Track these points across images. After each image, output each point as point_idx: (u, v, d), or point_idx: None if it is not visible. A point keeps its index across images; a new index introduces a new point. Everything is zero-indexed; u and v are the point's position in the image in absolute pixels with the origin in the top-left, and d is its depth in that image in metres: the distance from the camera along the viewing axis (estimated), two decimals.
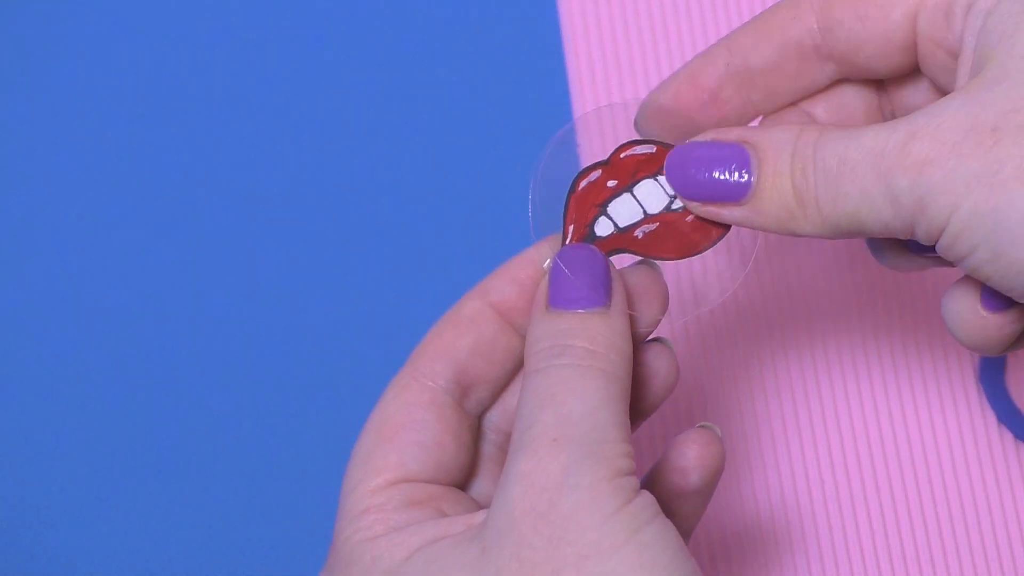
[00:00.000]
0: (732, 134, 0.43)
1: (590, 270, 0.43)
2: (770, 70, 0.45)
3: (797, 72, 0.45)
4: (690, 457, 0.44)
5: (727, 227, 0.44)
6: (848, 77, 0.45)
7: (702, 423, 0.45)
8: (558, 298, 0.42)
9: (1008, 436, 0.58)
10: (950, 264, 0.42)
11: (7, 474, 0.56)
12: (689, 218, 0.44)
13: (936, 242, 0.40)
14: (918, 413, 0.58)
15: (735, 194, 0.43)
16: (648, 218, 0.44)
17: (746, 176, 0.42)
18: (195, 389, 0.58)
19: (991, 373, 0.58)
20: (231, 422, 0.57)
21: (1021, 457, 0.58)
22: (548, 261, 0.44)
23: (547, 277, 0.43)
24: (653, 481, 0.44)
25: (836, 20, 0.44)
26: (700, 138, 0.44)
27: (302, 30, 0.63)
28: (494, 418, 0.46)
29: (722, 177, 0.43)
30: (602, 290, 0.42)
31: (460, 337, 0.44)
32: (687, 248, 0.44)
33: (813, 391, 0.58)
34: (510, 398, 0.45)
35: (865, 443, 0.58)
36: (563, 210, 0.44)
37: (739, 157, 0.43)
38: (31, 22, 0.62)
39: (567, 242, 0.44)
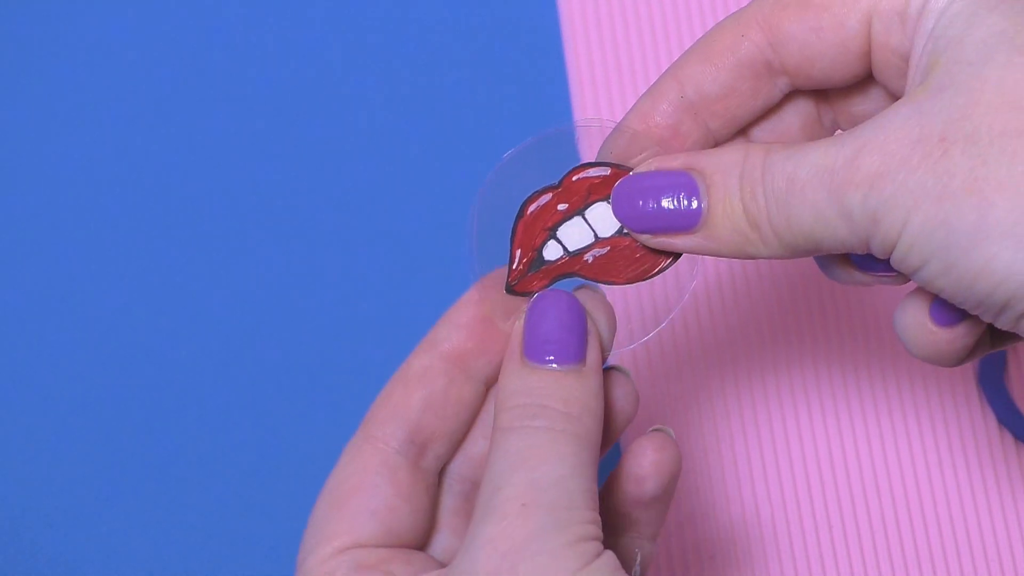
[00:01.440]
0: (677, 161, 0.42)
1: (568, 322, 0.42)
2: (725, 95, 0.43)
3: (752, 92, 0.43)
4: (645, 465, 0.43)
5: (677, 257, 0.43)
6: (800, 88, 0.44)
7: (655, 426, 0.44)
8: (533, 352, 0.42)
9: (1008, 436, 0.58)
10: (895, 282, 0.42)
11: (7, 474, 0.56)
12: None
13: (890, 256, 0.39)
14: (918, 414, 0.58)
15: (686, 223, 0.42)
16: (599, 242, 0.43)
17: (695, 203, 0.41)
18: (195, 390, 0.58)
19: (991, 373, 0.58)
20: (231, 422, 0.57)
21: (1021, 457, 0.58)
22: (525, 308, 0.43)
23: (522, 324, 0.42)
24: (610, 491, 0.44)
25: (787, 34, 0.42)
26: (644, 168, 0.43)
27: (301, 31, 0.63)
28: (457, 468, 0.45)
29: (671, 207, 0.42)
30: (580, 345, 0.42)
31: (410, 395, 0.44)
32: (638, 273, 0.44)
33: (814, 394, 0.58)
34: (471, 446, 0.45)
35: (866, 444, 0.58)
36: (510, 236, 0.44)
37: (686, 185, 0.42)
38: (31, 22, 0.62)
39: (514, 268, 0.43)
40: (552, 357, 0.41)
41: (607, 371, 0.44)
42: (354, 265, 0.59)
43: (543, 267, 0.43)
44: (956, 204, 0.38)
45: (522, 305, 0.43)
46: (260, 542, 0.56)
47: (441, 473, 0.45)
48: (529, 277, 0.44)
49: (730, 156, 0.41)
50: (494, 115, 0.61)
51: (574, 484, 0.40)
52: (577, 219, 0.43)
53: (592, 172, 0.43)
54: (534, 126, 0.61)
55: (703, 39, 0.43)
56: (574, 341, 0.42)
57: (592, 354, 0.42)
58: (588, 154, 0.44)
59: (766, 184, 0.40)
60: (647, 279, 0.43)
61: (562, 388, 0.41)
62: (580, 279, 0.44)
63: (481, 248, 0.44)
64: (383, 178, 0.61)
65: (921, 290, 0.41)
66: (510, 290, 0.44)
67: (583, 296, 0.43)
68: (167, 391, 0.57)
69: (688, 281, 0.45)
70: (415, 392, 0.44)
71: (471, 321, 0.44)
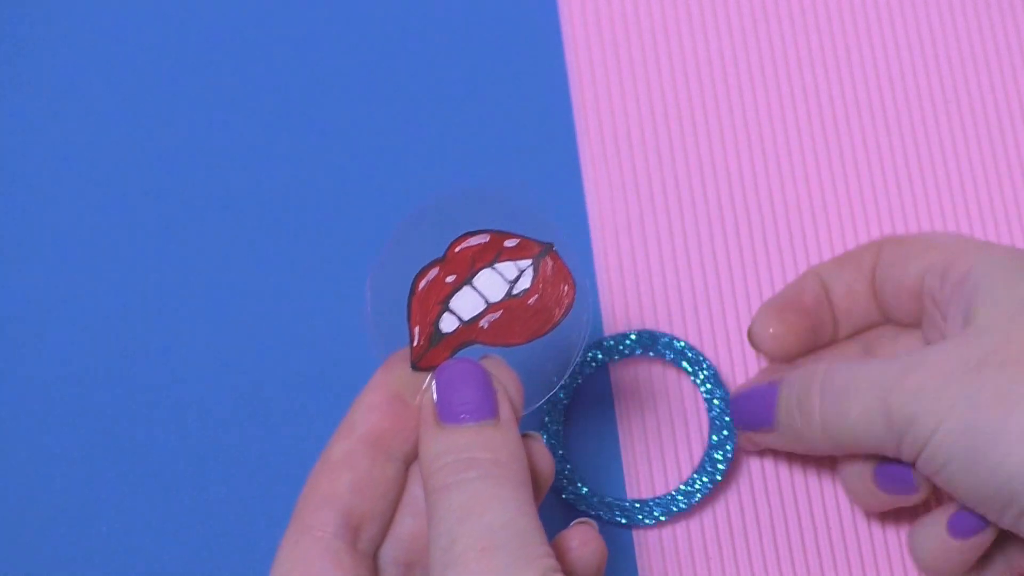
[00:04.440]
0: (774, 374, 0.53)
1: (474, 382, 0.44)
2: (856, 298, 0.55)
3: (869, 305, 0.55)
4: (569, 560, 0.46)
5: (569, 306, 0.45)
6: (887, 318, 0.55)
7: (580, 519, 0.47)
8: (448, 414, 0.43)
9: None
10: (906, 499, 0.51)
11: (7, 474, 0.56)
12: (531, 300, 0.45)
13: (917, 456, 0.48)
14: None
15: (766, 422, 0.53)
16: (491, 307, 0.45)
17: (772, 407, 0.52)
18: (195, 390, 0.58)
19: None
20: (231, 423, 0.57)
21: None
22: (429, 378, 0.44)
23: (430, 394, 0.44)
24: None
25: (885, 262, 0.54)
26: (752, 383, 0.54)
27: (301, 33, 0.63)
28: (389, 552, 0.46)
29: (757, 411, 0.53)
30: (490, 402, 0.44)
31: (337, 481, 0.45)
32: (533, 330, 0.45)
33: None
34: (399, 528, 0.46)
35: None
36: (406, 313, 0.45)
37: (770, 394, 0.52)
38: (31, 22, 0.62)
39: (414, 344, 0.45)
40: (466, 415, 0.43)
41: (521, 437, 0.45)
42: (354, 266, 0.59)
43: (442, 340, 0.45)
44: (984, 411, 0.46)
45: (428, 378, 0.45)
46: (260, 542, 0.56)
47: (374, 558, 0.46)
48: (431, 352, 0.45)
49: (803, 367, 0.52)
50: (494, 114, 0.61)
51: (523, 523, 0.41)
52: (466, 288, 0.45)
53: (473, 241, 0.45)
54: (534, 126, 0.61)
55: (842, 257, 0.56)
56: (484, 398, 0.44)
57: (504, 409, 0.44)
58: (467, 222, 0.45)
59: (825, 384, 0.50)
60: (544, 335, 0.45)
61: (485, 439, 0.43)
62: (480, 346, 0.45)
63: (380, 329, 0.45)
64: (383, 179, 0.61)
65: (938, 510, 0.51)
66: (415, 367, 0.45)
67: (486, 365, 0.45)
68: (167, 391, 0.57)
69: (584, 331, 0.46)
70: (341, 477, 0.45)
71: (383, 402, 0.45)
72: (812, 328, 0.54)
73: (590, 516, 0.56)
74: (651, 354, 0.57)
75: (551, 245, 0.45)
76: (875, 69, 0.63)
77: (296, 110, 0.61)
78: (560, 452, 0.56)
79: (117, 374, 0.58)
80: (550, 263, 0.45)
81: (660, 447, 0.57)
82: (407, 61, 0.62)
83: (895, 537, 0.57)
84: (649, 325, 0.59)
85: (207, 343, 0.58)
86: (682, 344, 0.57)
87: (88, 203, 0.60)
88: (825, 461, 0.57)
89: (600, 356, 0.57)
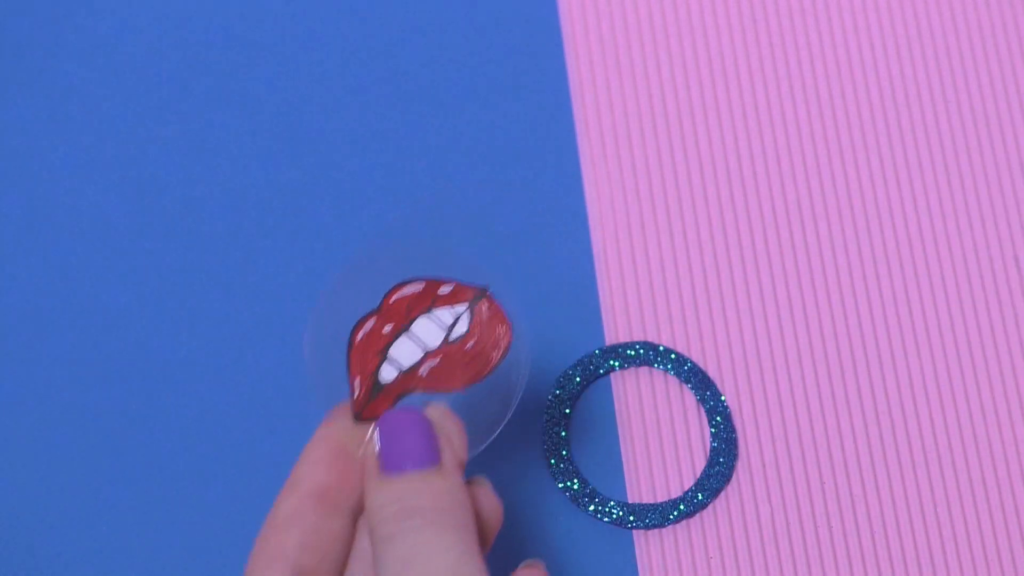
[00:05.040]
0: None
1: (415, 431, 0.44)
2: None
3: None
4: None
5: (507, 348, 0.45)
6: None
7: (528, 560, 0.47)
8: (391, 464, 0.44)
9: None
10: None
11: (7, 474, 0.56)
12: (469, 345, 0.45)
13: None
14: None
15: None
16: (430, 354, 0.45)
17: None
18: (195, 390, 0.57)
19: None
20: (231, 423, 0.57)
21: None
22: (372, 430, 0.45)
23: (372, 446, 0.44)
24: None
25: None
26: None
27: (301, 34, 0.63)
28: None
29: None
30: (432, 449, 0.44)
31: (286, 538, 0.44)
32: (473, 375, 0.45)
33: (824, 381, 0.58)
34: None
35: (865, 443, 0.58)
36: (346, 366, 0.45)
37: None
38: (31, 22, 0.62)
39: (355, 396, 0.45)
40: (409, 464, 0.44)
41: (467, 483, 0.45)
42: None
43: (383, 390, 0.45)
44: None
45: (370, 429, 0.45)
46: None
47: None
48: (373, 403, 0.45)
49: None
50: (494, 114, 0.61)
51: (468, 568, 0.42)
52: (404, 337, 0.45)
53: (407, 290, 0.46)
54: (534, 126, 0.61)
55: None
56: (426, 446, 0.44)
57: (447, 455, 0.44)
58: (401, 272, 0.46)
59: None
60: (483, 379, 0.45)
61: (427, 487, 0.43)
62: (421, 393, 0.45)
63: (321, 383, 0.46)
64: (383, 179, 0.61)
65: None
66: (358, 419, 0.45)
67: (428, 413, 0.45)
68: (167, 392, 0.57)
69: (523, 371, 0.46)
70: (289, 534, 0.44)
71: (327, 456, 0.45)
72: None
73: (590, 516, 0.56)
74: (655, 367, 0.58)
75: (485, 288, 0.46)
76: (875, 69, 0.63)
77: (296, 110, 0.61)
78: (564, 452, 0.57)
79: (117, 374, 0.58)
80: (485, 307, 0.45)
81: (662, 455, 0.57)
82: (407, 61, 0.62)
83: (895, 537, 0.57)
84: (649, 326, 0.59)
85: (207, 343, 0.58)
86: (689, 364, 0.57)
87: (88, 203, 0.60)
88: (824, 464, 0.57)
89: (604, 365, 0.58)
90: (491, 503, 0.46)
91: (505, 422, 0.46)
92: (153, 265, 0.59)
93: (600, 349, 0.58)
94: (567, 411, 0.57)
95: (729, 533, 0.56)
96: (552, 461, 0.56)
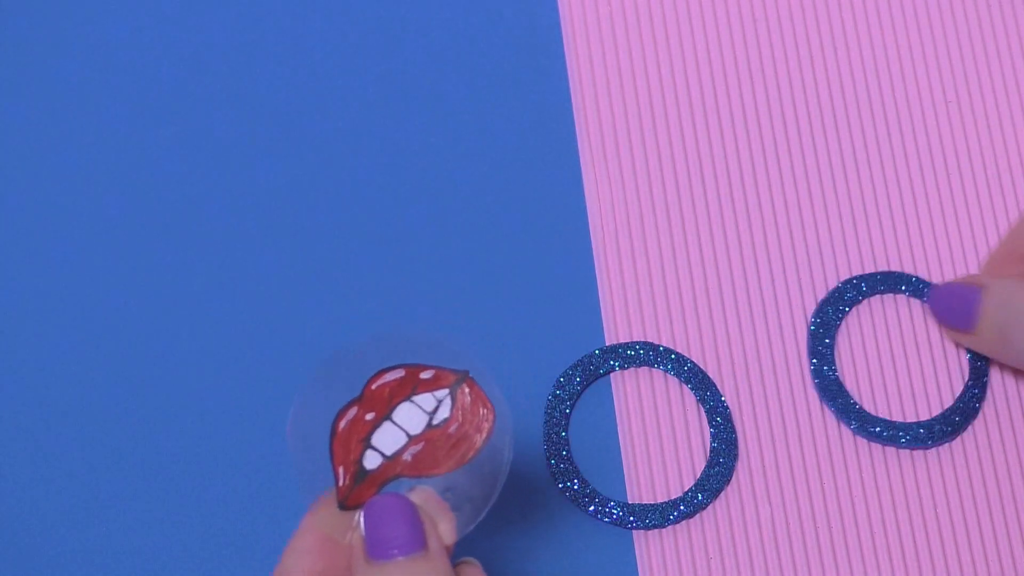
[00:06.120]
0: (976, 279, 0.56)
1: (400, 517, 0.44)
2: None
3: None
4: None
5: (490, 430, 0.45)
6: None
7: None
8: (377, 551, 0.44)
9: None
10: None
11: (7, 474, 0.56)
12: (451, 429, 0.45)
13: None
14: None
15: (966, 324, 0.56)
16: (413, 439, 0.45)
17: (972, 311, 0.56)
18: (195, 390, 0.57)
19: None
20: (231, 423, 0.57)
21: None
22: (358, 515, 0.45)
23: (359, 532, 0.44)
24: None
25: None
26: (956, 281, 0.57)
27: (300, 34, 0.63)
28: None
29: (956, 310, 0.56)
30: (418, 534, 0.44)
31: None
32: (457, 459, 0.45)
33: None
34: None
35: (866, 446, 0.58)
36: (329, 455, 0.45)
37: (972, 297, 0.55)
38: (31, 22, 0.62)
39: (340, 485, 0.45)
40: (395, 551, 0.44)
41: (457, 565, 0.46)
42: (354, 266, 0.59)
43: (367, 477, 0.45)
44: None
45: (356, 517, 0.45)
46: (260, 542, 0.56)
47: None
48: (357, 490, 0.45)
49: (1007, 280, 0.55)
50: (494, 114, 0.61)
51: None
52: (386, 424, 0.45)
53: (389, 377, 0.46)
54: (534, 126, 0.61)
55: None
56: (412, 531, 0.44)
57: (433, 540, 0.44)
58: (382, 360, 0.46)
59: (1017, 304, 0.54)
60: (468, 461, 0.45)
61: (414, 572, 0.43)
62: (405, 479, 0.45)
63: (305, 472, 0.46)
64: (383, 180, 0.61)
65: None
66: (343, 507, 0.45)
67: (413, 497, 0.45)
68: (167, 391, 0.57)
69: (507, 452, 0.46)
70: None
71: (314, 545, 0.46)
72: None
73: (590, 516, 0.56)
74: (655, 367, 0.58)
75: (467, 372, 0.46)
76: (875, 68, 0.63)
77: (296, 110, 0.61)
78: (564, 452, 0.57)
79: (117, 374, 0.58)
80: (467, 390, 0.45)
81: (662, 455, 0.57)
82: (407, 61, 0.62)
83: (896, 537, 0.57)
84: (649, 326, 0.59)
85: (207, 343, 0.58)
86: (689, 364, 0.57)
87: (88, 203, 0.60)
88: (824, 464, 0.57)
89: (604, 365, 0.58)
90: None
91: (492, 503, 0.46)
92: (153, 265, 0.59)
93: (600, 349, 0.58)
94: (567, 411, 0.57)
95: (729, 533, 0.56)
96: (552, 461, 0.56)
